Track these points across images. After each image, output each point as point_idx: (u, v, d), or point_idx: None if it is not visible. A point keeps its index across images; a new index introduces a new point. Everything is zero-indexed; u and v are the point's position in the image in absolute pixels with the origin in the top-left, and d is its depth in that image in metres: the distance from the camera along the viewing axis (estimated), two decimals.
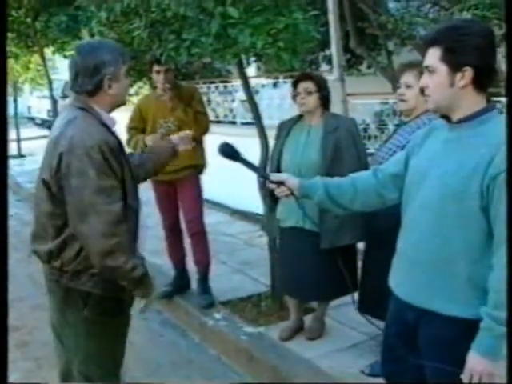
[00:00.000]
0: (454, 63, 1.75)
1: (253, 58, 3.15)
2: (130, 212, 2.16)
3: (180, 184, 4.04)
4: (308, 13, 3.16)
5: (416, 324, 1.89)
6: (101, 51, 2.10)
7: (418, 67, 2.79)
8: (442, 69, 1.77)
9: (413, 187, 1.92)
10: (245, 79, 3.78)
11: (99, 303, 2.15)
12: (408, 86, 2.88)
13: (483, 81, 1.77)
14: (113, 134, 2.17)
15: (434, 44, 1.79)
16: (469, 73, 1.74)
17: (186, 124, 3.91)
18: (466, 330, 1.74)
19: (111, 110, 2.22)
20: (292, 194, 2.14)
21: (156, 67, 3.87)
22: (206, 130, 4.05)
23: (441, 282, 1.80)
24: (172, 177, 3.99)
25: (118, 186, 2.07)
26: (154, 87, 4.09)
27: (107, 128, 2.14)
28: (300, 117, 3.43)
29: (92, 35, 8.14)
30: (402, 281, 1.97)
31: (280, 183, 2.14)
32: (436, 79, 1.79)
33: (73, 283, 2.13)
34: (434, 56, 1.79)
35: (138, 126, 4.04)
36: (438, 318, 1.80)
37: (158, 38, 3.14)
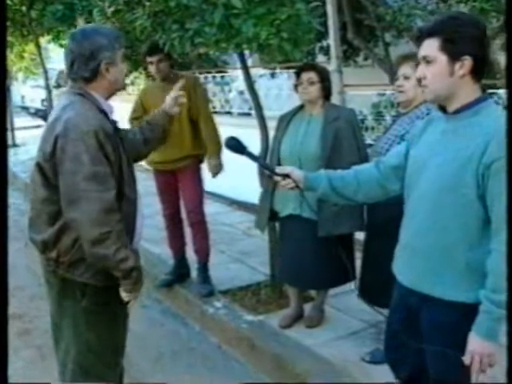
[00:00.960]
0: (454, 52, 1.79)
1: (254, 49, 3.14)
2: (127, 201, 2.13)
3: (181, 173, 4.06)
4: (310, 4, 3.17)
5: (418, 309, 1.95)
6: (96, 36, 2.07)
7: (415, 59, 2.82)
8: (442, 58, 1.81)
9: (413, 178, 1.97)
10: (246, 70, 3.79)
11: (97, 293, 2.13)
12: (406, 78, 2.90)
13: (480, 70, 1.82)
14: (110, 120, 2.14)
15: (432, 35, 1.82)
16: (468, 62, 1.79)
17: (186, 113, 3.93)
18: (467, 313, 1.80)
19: (109, 96, 2.19)
20: (297, 186, 2.18)
21: (148, 58, 3.89)
22: (216, 137, 4.02)
23: (441, 268, 1.86)
24: (173, 166, 4.02)
25: (111, 173, 2.03)
26: (149, 76, 4.09)
27: (105, 114, 2.12)
28: (300, 108, 3.45)
29: (88, 23, 8.11)
30: (404, 268, 2.02)
31: (285, 176, 2.18)
32: (435, 69, 1.82)
33: (69, 274, 2.10)
34: (432, 46, 1.82)
35: (140, 116, 4.04)
36: (440, 303, 1.86)
37: (161, 27, 3.14)
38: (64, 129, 1.98)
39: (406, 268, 2.01)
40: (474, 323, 1.78)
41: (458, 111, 1.84)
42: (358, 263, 3.34)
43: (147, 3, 3.08)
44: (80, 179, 1.96)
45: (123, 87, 2.27)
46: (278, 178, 2.21)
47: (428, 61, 1.84)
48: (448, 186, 1.81)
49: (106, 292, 2.16)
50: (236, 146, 2.25)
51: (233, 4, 2.98)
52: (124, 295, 2.14)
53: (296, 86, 3.38)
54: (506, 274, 1.70)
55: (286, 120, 3.44)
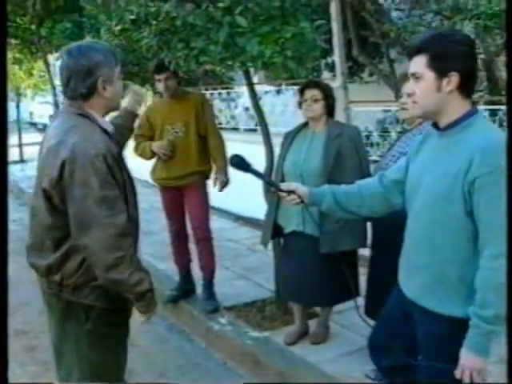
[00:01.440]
0: (441, 69, 1.83)
1: (259, 67, 3.18)
2: (132, 222, 2.10)
3: (187, 190, 4.08)
4: (314, 22, 3.21)
5: (416, 321, 2.01)
6: (93, 53, 2.02)
7: None
8: (429, 75, 1.84)
9: (411, 193, 2.02)
10: (251, 87, 3.83)
11: (101, 315, 2.10)
12: (410, 95, 2.93)
13: (468, 86, 1.86)
14: (113, 140, 2.10)
15: (420, 52, 1.86)
16: (455, 78, 1.82)
17: (194, 130, 3.97)
18: (460, 328, 1.83)
19: (105, 114, 2.14)
20: (302, 201, 2.21)
21: (156, 76, 3.94)
22: (223, 153, 4.06)
23: (435, 283, 1.91)
24: (179, 183, 4.04)
25: (120, 196, 2.00)
26: (156, 93, 4.15)
27: (108, 135, 2.08)
28: (304, 125, 3.48)
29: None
30: (404, 279, 2.09)
31: (290, 192, 2.22)
32: (423, 85, 1.86)
33: (74, 297, 2.06)
34: (420, 63, 1.86)
35: (146, 133, 4.09)
36: (436, 317, 1.90)
37: (167, 46, 3.19)
38: (71, 153, 1.92)
39: (408, 281, 2.06)
40: (466, 338, 1.81)
41: (447, 127, 1.88)
42: (363, 279, 3.34)
43: (153, 22, 3.13)
44: (90, 204, 1.91)
45: (119, 106, 2.22)
46: (283, 194, 2.25)
47: (417, 77, 1.88)
48: (439, 204, 1.85)
49: (110, 314, 2.13)
50: (240, 163, 2.28)
51: (238, 23, 3.03)
52: (138, 316, 2.13)
53: (300, 104, 3.42)
54: (494, 289, 1.75)
55: (290, 137, 3.47)
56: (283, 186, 2.28)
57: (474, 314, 1.78)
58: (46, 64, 8.80)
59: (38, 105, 16.64)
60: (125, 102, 2.42)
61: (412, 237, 2.02)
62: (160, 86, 3.99)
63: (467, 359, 1.80)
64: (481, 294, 1.77)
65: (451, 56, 1.82)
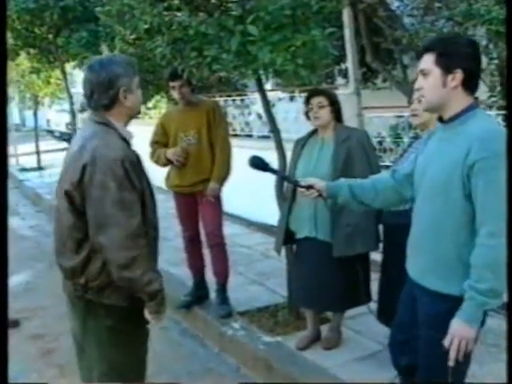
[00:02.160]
0: (447, 66, 1.99)
1: (271, 75, 3.23)
2: (149, 225, 2.19)
3: (200, 196, 4.12)
4: (325, 30, 3.25)
5: (418, 300, 2.14)
6: (112, 65, 2.15)
7: None
8: (436, 71, 2.01)
9: (417, 183, 2.18)
10: (263, 94, 3.87)
11: (122, 313, 2.19)
12: (420, 101, 2.93)
13: (471, 83, 2.02)
14: (130, 147, 2.21)
15: (429, 50, 2.03)
16: (459, 74, 1.98)
17: (206, 137, 4.03)
18: (457, 305, 1.95)
19: (127, 122, 2.26)
20: (320, 195, 2.41)
21: (170, 83, 4.00)
22: (224, 164, 4.06)
23: (437, 264, 2.04)
24: (193, 189, 4.09)
25: (137, 200, 2.10)
26: (171, 100, 4.21)
27: (126, 142, 2.19)
28: (315, 131, 3.51)
29: (112, 50, 8.34)
30: (411, 263, 2.22)
31: (309, 187, 2.43)
32: (430, 81, 2.02)
33: (97, 298, 2.16)
34: (428, 60, 2.03)
35: (161, 140, 4.15)
36: (436, 296, 2.04)
37: (180, 54, 3.25)
38: (92, 158, 2.05)
39: (412, 263, 2.20)
40: (459, 309, 1.92)
41: (450, 120, 2.04)
42: (375, 284, 3.36)
43: (166, 31, 3.19)
44: (108, 205, 2.02)
45: (139, 112, 2.35)
46: (302, 190, 2.45)
47: (425, 73, 2.04)
48: (441, 190, 2.01)
49: (130, 312, 2.21)
50: (258, 163, 2.46)
51: (249, 31, 3.08)
52: (149, 317, 2.19)
53: (307, 113, 3.45)
54: (489, 265, 1.87)
55: (300, 144, 3.51)
56: (302, 182, 2.47)
57: (470, 286, 1.90)
58: (63, 73, 8.95)
59: (54, 113, 16.87)
60: None
61: (417, 223, 2.16)
62: (174, 94, 4.05)
63: (458, 328, 1.92)
64: (476, 270, 1.90)
65: (456, 55, 1.99)
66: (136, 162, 2.16)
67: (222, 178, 4.07)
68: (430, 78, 2.02)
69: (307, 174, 3.34)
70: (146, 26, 3.26)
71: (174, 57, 3.28)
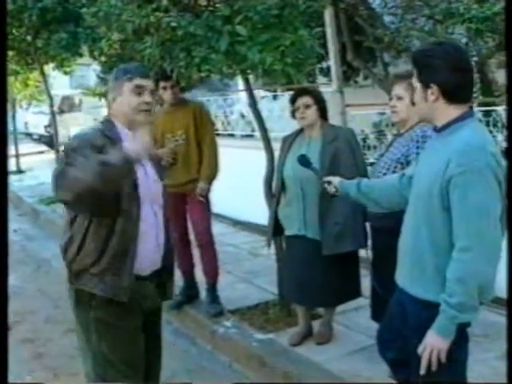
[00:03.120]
0: (423, 81, 2.04)
1: (260, 74, 3.26)
2: (126, 218, 2.20)
3: (189, 196, 4.14)
4: (313, 29, 3.29)
5: (406, 306, 2.17)
6: (116, 71, 2.39)
7: (407, 78, 2.88)
8: (418, 86, 2.07)
9: (410, 190, 2.21)
10: (250, 92, 3.91)
11: (103, 305, 2.24)
12: (399, 98, 2.94)
13: (454, 94, 2.01)
14: (109, 141, 2.21)
15: (414, 65, 2.09)
16: (435, 89, 2.01)
17: (194, 137, 4.05)
18: (437, 312, 1.98)
19: (128, 124, 2.32)
20: (337, 191, 2.61)
21: (162, 83, 3.99)
22: (213, 163, 4.11)
23: (416, 271, 2.09)
24: (181, 189, 4.10)
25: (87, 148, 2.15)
26: (160, 103, 4.21)
27: (101, 132, 2.25)
28: (301, 130, 3.55)
29: (91, 51, 8.26)
30: (398, 269, 2.26)
31: (329, 182, 2.65)
32: (417, 95, 2.10)
33: (77, 283, 2.26)
34: (414, 75, 2.09)
35: None
36: (419, 302, 2.08)
37: (169, 55, 3.26)
38: (69, 140, 2.34)
39: (398, 269, 2.25)
40: (434, 321, 1.98)
41: (440, 129, 2.07)
42: (364, 281, 3.41)
43: (155, 32, 3.20)
44: (65, 166, 2.10)
45: (134, 118, 2.32)
46: (325, 185, 2.67)
47: (414, 87, 2.12)
48: (421, 197, 2.05)
49: (110, 304, 2.24)
50: (305, 161, 2.86)
51: (238, 31, 3.11)
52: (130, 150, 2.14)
53: (293, 113, 3.49)
54: (459, 280, 1.91)
55: (288, 142, 3.55)
56: (325, 178, 2.69)
57: (443, 300, 1.95)
58: (43, 74, 8.86)
59: (32, 115, 16.64)
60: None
61: (404, 229, 2.20)
62: (165, 94, 4.05)
63: (432, 339, 1.97)
64: (449, 283, 1.94)
65: (430, 69, 2.02)
66: (102, 147, 2.17)
67: (211, 178, 4.10)
68: (416, 92, 2.08)
69: (296, 173, 3.39)
70: (134, 28, 3.27)
71: (163, 58, 3.29)
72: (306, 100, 3.41)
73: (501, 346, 3.41)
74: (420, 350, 1.99)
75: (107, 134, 2.25)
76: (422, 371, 1.98)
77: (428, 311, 2.01)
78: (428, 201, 2.00)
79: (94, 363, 2.29)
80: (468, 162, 1.90)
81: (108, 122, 2.32)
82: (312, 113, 3.41)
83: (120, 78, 2.31)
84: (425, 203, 2.02)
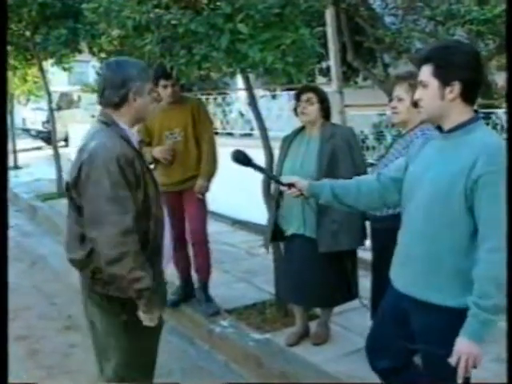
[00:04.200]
0: (444, 78, 1.97)
1: (261, 73, 3.24)
2: (155, 220, 2.25)
3: (186, 193, 4.12)
4: (314, 29, 3.28)
5: (410, 313, 2.10)
6: (128, 67, 2.24)
7: (408, 80, 2.87)
8: (434, 83, 1.99)
9: (409, 191, 2.13)
10: (250, 91, 3.89)
11: (135, 307, 2.21)
12: (400, 99, 2.93)
13: (470, 94, 1.99)
14: (132, 146, 2.26)
15: (427, 61, 2.01)
16: (457, 87, 1.96)
17: (192, 135, 4.02)
18: (456, 318, 1.93)
19: (133, 124, 2.33)
20: (302, 194, 2.40)
21: (163, 82, 3.97)
22: (211, 160, 4.09)
23: (432, 275, 2.01)
24: (179, 187, 4.09)
25: (131, 197, 2.14)
26: (158, 101, 4.18)
27: (127, 142, 2.23)
28: (302, 129, 3.54)
29: (92, 48, 8.22)
30: (398, 273, 2.18)
31: (291, 185, 2.41)
32: (429, 93, 2.00)
33: (105, 290, 2.22)
34: (426, 72, 2.00)
35: (145, 138, 4.12)
36: (431, 307, 2.00)
37: (169, 52, 3.24)
38: (89, 156, 2.13)
39: (400, 273, 2.17)
40: (463, 326, 1.91)
41: (451, 130, 2.01)
42: (362, 281, 3.40)
43: (156, 29, 3.17)
44: (102, 202, 2.08)
45: (147, 117, 2.39)
46: (283, 188, 2.43)
47: (424, 85, 2.02)
48: (439, 198, 1.97)
49: None
50: (242, 158, 2.46)
51: (239, 29, 3.09)
52: (141, 316, 2.20)
53: (295, 109, 3.47)
54: (493, 280, 1.85)
55: (288, 141, 3.54)
56: (284, 179, 2.48)
57: (474, 303, 1.88)
58: (41, 70, 8.82)
59: (30, 111, 16.57)
60: None
61: (408, 231, 2.13)
62: (165, 92, 4.02)
63: (464, 346, 1.90)
64: (480, 285, 1.88)
65: (454, 66, 1.96)
66: (133, 159, 2.20)
67: (210, 175, 4.08)
68: (428, 89, 2.00)
69: (294, 172, 3.37)
70: (134, 24, 3.24)
71: (163, 55, 3.27)
72: (309, 96, 3.40)
73: (496, 348, 3.42)
74: (453, 360, 1.91)
75: (123, 135, 2.24)
76: (460, 381, 1.89)
77: (442, 316, 1.97)
78: (447, 202, 1.95)
79: (117, 364, 2.30)
80: (497, 161, 1.88)
81: (114, 125, 2.24)
82: (314, 110, 3.40)
83: (142, 77, 2.25)
84: (443, 205, 1.96)
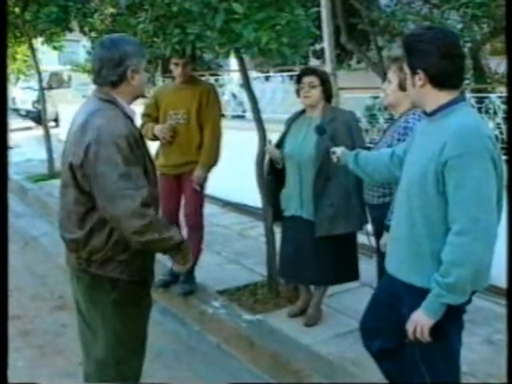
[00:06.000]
0: (411, 67, 2.03)
1: (255, 53, 3.22)
2: (153, 201, 2.23)
3: (184, 177, 4.07)
4: (309, 9, 3.25)
5: (400, 295, 2.15)
6: (124, 44, 2.22)
7: (398, 62, 2.87)
8: (407, 71, 2.05)
9: (402, 174, 2.19)
10: (244, 72, 3.86)
11: (126, 287, 2.25)
12: (389, 82, 2.95)
13: (442, 81, 1.98)
14: (133, 124, 2.27)
15: (403, 49, 2.06)
16: (421, 75, 1.98)
17: (195, 119, 3.95)
18: None
19: (131, 101, 2.31)
20: (339, 160, 2.68)
21: (174, 60, 3.89)
22: (213, 150, 4.01)
23: (414, 258, 2.05)
24: (177, 170, 4.06)
25: (142, 174, 2.16)
26: (167, 77, 4.10)
27: (130, 120, 2.24)
28: (303, 111, 3.54)
29: (81, 27, 8.11)
30: (389, 256, 2.23)
31: (333, 152, 2.73)
32: (407, 80, 2.07)
33: (101, 271, 2.22)
34: (404, 59, 2.07)
35: (152, 113, 4.08)
36: (415, 290, 2.04)
37: (163, 31, 3.20)
38: (97, 135, 2.09)
39: (390, 255, 2.22)
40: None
41: (431, 114, 2.04)
42: (362, 264, 3.46)
43: (150, 8, 3.14)
44: (116, 179, 2.06)
45: (143, 94, 2.39)
46: (331, 154, 2.75)
47: (404, 71, 2.10)
48: (415, 181, 2.01)
49: (135, 286, 2.28)
50: (321, 130, 3.01)
51: (234, 9, 3.06)
52: (176, 267, 2.29)
53: (298, 91, 3.46)
54: (454, 262, 1.89)
55: (288, 122, 3.55)
56: (332, 148, 2.74)
57: (434, 279, 1.94)
58: (31, 49, 8.70)
59: (20, 90, 16.38)
60: None
61: (396, 212, 2.19)
62: (176, 71, 3.94)
63: (417, 315, 1.99)
64: (443, 266, 1.92)
65: (417, 55, 1.98)
66: (139, 138, 2.21)
67: (209, 166, 4.01)
68: (407, 76, 2.06)
69: (295, 153, 3.41)
70: (128, 2, 3.20)
71: (156, 34, 3.23)
72: (311, 80, 3.39)
73: (485, 330, 3.47)
74: (407, 326, 2.01)
75: (126, 114, 2.23)
76: (407, 341, 2.01)
77: (423, 297, 1.99)
78: (422, 185, 1.97)
79: (105, 344, 2.30)
80: (465, 144, 1.87)
81: (112, 103, 2.21)
82: (316, 93, 3.40)
83: (139, 54, 2.24)
84: (418, 188, 1.99)
